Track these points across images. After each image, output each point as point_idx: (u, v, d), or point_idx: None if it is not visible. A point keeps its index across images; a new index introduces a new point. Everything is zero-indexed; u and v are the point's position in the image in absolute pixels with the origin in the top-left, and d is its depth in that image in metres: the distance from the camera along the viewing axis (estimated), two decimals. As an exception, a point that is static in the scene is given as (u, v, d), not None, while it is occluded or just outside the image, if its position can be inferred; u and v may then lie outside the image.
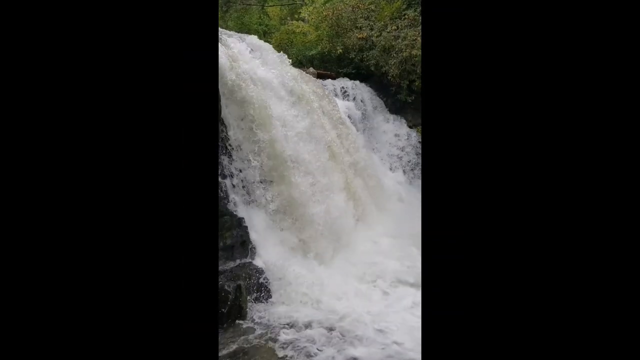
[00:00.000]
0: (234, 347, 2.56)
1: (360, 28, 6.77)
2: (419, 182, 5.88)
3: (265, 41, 4.87)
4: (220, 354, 2.47)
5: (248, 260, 3.34)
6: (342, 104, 5.85)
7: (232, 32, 4.76)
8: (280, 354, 2.50)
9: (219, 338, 2.67)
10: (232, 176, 3.70)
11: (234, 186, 3.70)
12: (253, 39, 4.51)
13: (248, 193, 3.73)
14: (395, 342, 2.61)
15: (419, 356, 2.38)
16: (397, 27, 6.34)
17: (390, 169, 6.01)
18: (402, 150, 6.18)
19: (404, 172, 6.03)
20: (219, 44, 3.78)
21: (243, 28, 7.45)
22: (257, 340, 2.64)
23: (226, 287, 2.89)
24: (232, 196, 3.67)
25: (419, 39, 5.94)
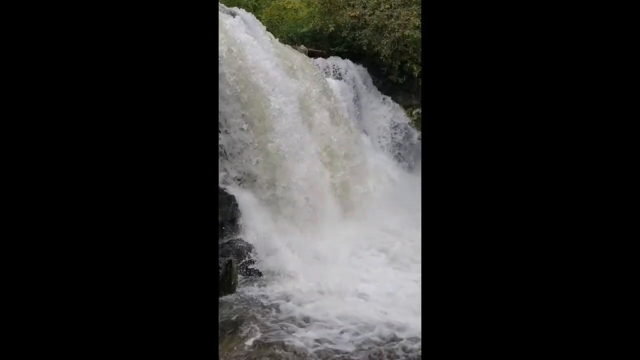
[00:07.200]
0: (223, 320, 2.61)
1: (353, 6, 6.66)
2: (408, 163, 5.94)
3: (255, 17, 4.79)
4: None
5: (238, 236, 3.37)
6: (333, 83, 5.80)
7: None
8: (268, 326, 2.57)
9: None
10: (222, 154, 3.69)
11: (224, 167, 3.69)
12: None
13: (238, 171, 3.74)
14: (385, 321, 2.66)
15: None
16: (391, 6, 6.27)
17: (381, 149, 6.05)
18: (392, 132, 6.21)
19: (393, 153, 6.08)
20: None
21: (232, 2, 7.23)
22: (246, 314, 2.70)
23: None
24: (223, 174, 3.67)
25: (412, 18, 5.89)
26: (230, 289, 2.94)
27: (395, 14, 6.13)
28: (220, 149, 3.61)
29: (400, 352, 2.29)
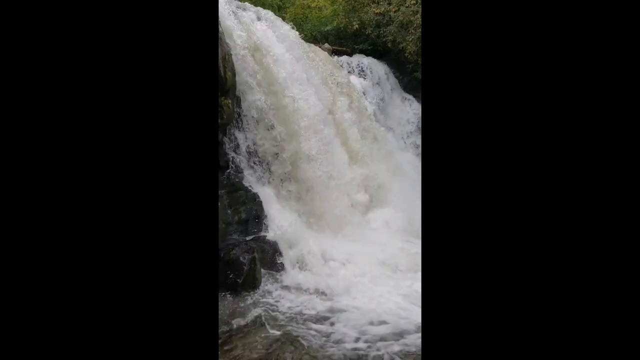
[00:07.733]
0: (247, 314, 2.65)
1: (378, 3, 6.60)
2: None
3: (279, 16, 4.82)
4: (234, 321, 2.57)
5: (262, 233, 3.41)
6: (357, 81, 5.77)
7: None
8: (290, 322, 2.59)
9: (233, 306, 2.77)
10: (246, 151, 3.74)
11: (248, 162, 3.74)
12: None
13: (262, 169, 3.79)
14: (402, 317, 2.63)
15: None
16: (416, 2, 6.16)
17: (406, 148, 5.97)
18: (418, 130, 6.12)
19: (418, 151, 5.98)
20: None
21: (257, 1, 7.32)
22: (269, 311, 2.73)
23: (241, 259, 2.98)
24: (247, 172, 3.72)
25: (438, 14, 5.77)
26: (254, 286, 2.98)
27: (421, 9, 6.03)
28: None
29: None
